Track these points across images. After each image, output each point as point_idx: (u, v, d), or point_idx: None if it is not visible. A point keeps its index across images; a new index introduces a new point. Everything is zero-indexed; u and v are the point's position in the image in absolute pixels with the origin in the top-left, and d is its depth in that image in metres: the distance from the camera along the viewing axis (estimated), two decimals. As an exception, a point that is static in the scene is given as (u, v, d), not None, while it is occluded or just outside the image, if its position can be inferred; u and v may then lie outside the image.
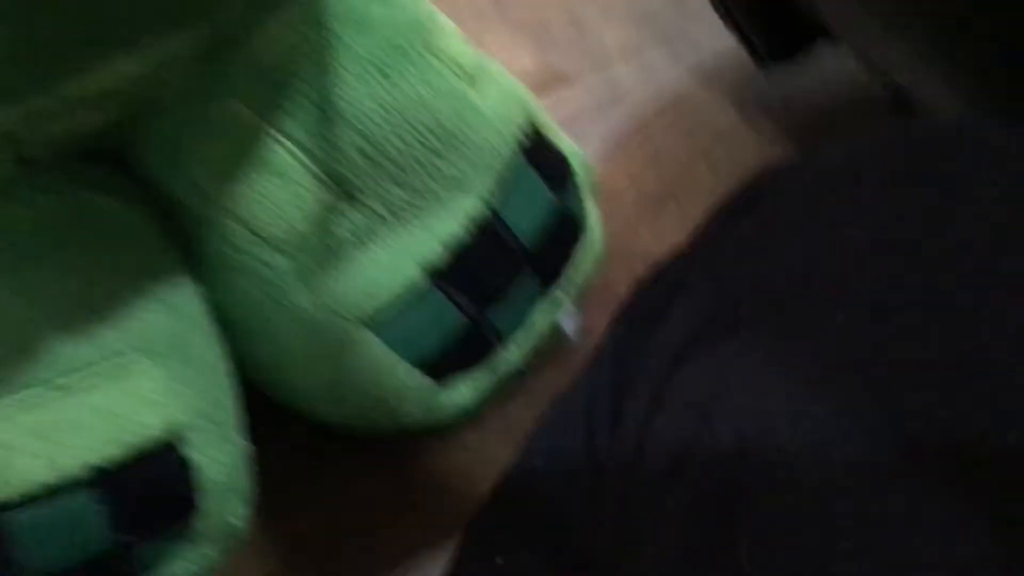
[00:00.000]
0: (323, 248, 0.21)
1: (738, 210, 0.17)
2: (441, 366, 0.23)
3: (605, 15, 0.35)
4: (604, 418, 0.17)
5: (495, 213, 0.22)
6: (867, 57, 0.28)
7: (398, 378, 0.22)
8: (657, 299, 0.18)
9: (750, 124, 0.32)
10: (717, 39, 0.33)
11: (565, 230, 0.24)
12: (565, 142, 0.25)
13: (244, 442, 0.21)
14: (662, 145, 0.32)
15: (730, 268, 0.17)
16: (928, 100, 0.25)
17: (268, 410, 0.23)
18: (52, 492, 0.18)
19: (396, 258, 0.21)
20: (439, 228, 0.21)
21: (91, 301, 0.19)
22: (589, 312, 0.28)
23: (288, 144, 0.20)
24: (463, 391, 0.23)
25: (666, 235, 0.30)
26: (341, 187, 0.21)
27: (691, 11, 0.35)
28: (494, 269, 0.22)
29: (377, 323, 0.22)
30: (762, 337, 0.15)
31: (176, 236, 0.21)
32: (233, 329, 0.22)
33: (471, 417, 0.25)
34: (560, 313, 0.25)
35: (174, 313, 0.20)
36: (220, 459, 0.20)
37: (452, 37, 0.23)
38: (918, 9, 0.22)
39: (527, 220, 0.23)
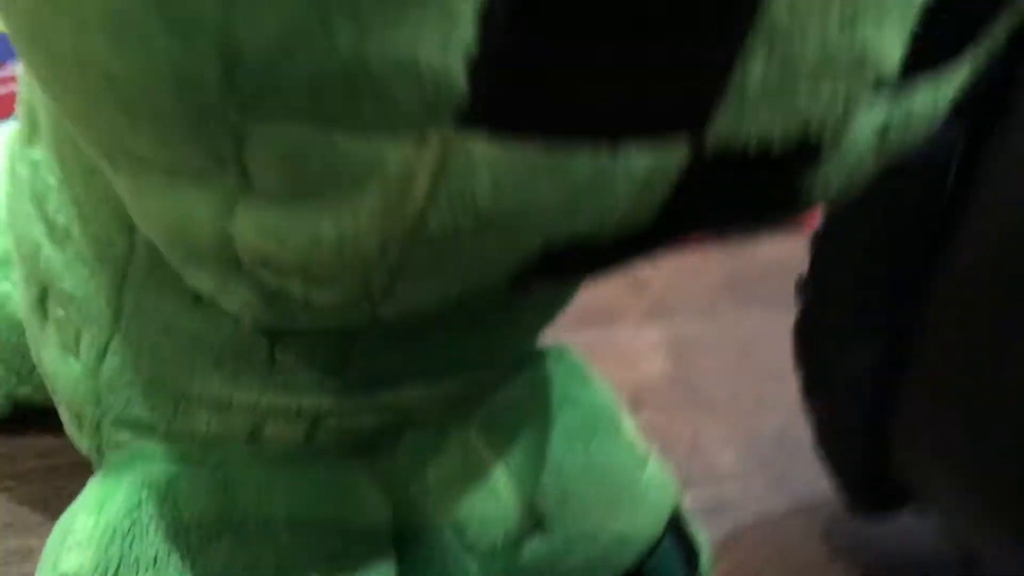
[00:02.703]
0: (509, 564, 0.26)
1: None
2: None
3: (720, 440, 0.42)
4: None
5: (642, 572, 0.27)
6: (950, 528, 0.33)
7: None
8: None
9: (838, 559, 0.37)
10: (817, 479, 0.39)
11: (690, 605, 0.29)
12: (698, 531, 0.30)
13: None
14: (755, 562, 0.37)
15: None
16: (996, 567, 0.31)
17: None
18: None
19: (564, 586, 0.26)
20: (601, 571, 0.26)
21: (343, 557, 0.24)
22: None
23: (505, 473, 0.26)
24: None
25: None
26: (535, 518, 0.26)
27: (795, 453, 0.41)
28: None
29: (533, 639, 0.26)
30: None
31: (395, 524, 0.26)
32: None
33: None
34: None
35: (386, 588, 0.25)
36: None
37: (631, 427, 0.29)
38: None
39: (665, 585, 0.28)
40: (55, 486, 0.36)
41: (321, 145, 0.13)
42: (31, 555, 0.27)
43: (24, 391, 0.35)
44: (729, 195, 0.15)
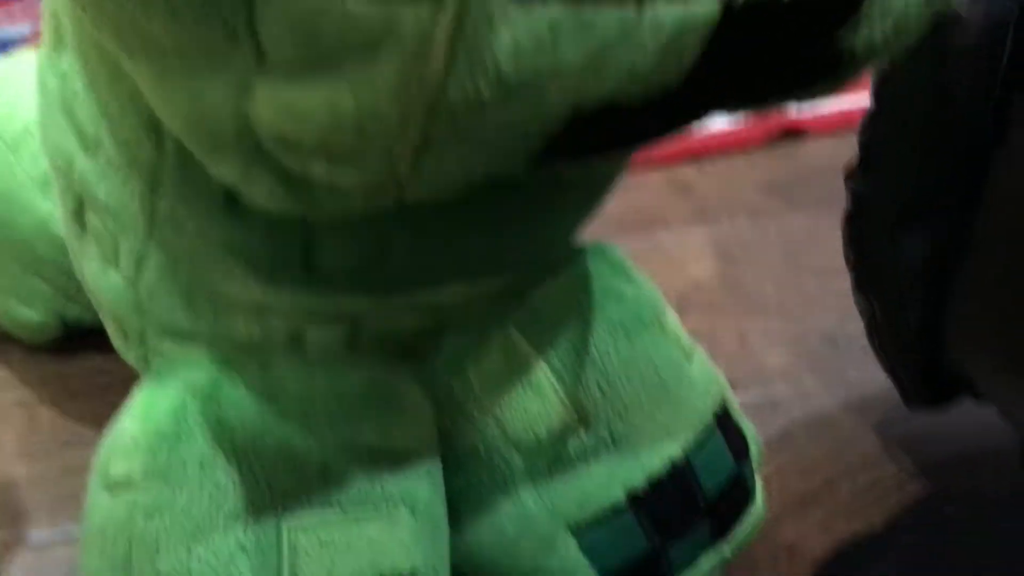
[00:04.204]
0: (555, 458, 0.26)
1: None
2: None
3: (769, 340, 0.42)
4: None
5: (689, 462, 0.27)
6: (1011, 418, 0.32)
7: (585, 584, 0.26)
8: None
9: (892, 455, 0.37)
10: (869, 376, 0.38)
11: (739, 493, 0.28)
12: (747, 424, 0.30)
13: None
14: (811, 459, 0.37)
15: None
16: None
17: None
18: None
19: (608, 479, 0.26)
20: (646, 462, 0.26)
21: (386, 455, 0.24)
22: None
23: (547, 370, 0.26)
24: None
25: (808, 535, 0.34)
26: (579, 412, 0.26)
27: (846, 351, 0.41)
28: (679, 509, 0.27)
29: (580, 531, 0.26)
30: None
31: (439, 423, 0.27)
32: (454, 509, 0.26)
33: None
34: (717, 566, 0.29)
35: (431, 481, 0.25)
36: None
37: (675, 321, 0.29)
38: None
39: (712, 476, 0.27)
40: (109, 402, 0.36)
41: (333, 9, 0.13)
42: (90, 470, 0.28)
43: (73, 311, 0.35)
44: (764, 53, 0.14)
